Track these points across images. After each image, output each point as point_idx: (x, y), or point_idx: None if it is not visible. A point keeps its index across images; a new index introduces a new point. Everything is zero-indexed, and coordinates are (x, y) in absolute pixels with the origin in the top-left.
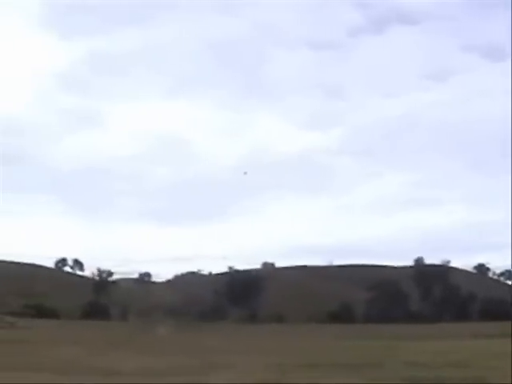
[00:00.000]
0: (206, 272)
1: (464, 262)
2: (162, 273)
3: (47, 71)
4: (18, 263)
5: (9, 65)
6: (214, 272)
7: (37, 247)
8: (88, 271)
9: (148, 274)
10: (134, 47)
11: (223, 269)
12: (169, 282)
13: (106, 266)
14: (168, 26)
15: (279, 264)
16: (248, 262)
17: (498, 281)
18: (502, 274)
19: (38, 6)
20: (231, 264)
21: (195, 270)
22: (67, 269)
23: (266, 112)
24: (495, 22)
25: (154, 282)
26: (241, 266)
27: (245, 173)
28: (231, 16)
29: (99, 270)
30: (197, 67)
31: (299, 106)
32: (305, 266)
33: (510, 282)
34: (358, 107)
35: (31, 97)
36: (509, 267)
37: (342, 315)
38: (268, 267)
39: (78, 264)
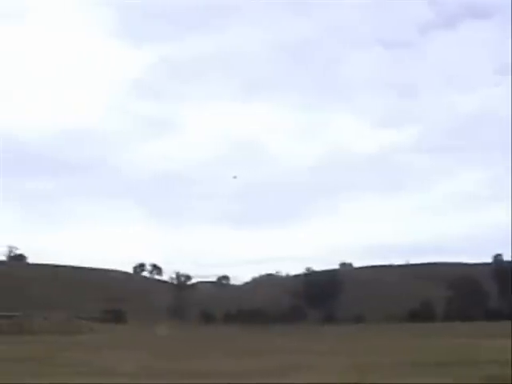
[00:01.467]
0: (283, 274)
1: None
2: (240, 275)
3: (122, 79)
4: (98, 269)
5: (85, 73)
6: (291, 273)
7: (115, 253)
8: (166, 275)
9: (226, 277)
10: (207, 51)
11: (301, 270)
12: (247, 284)
13: (184, 269)
14: (240, 29)
15: (357, 264)
16: (325, 262)
17: None
18: None
19: (111, 15)
20: (309, 265)
21: (273, 272)
22: (146, 274)
23: (340, 112)
24: None
25: (232, 285)
26: (318, 266)
27: (234, 177)
28: (303, 17)
29: (177, 274)
30: (270, 69)
31: (373, 104)
32: (382, 266)
33: None
34: (432, 104)
35: (107, 104)
36: None
37: (421, 314)
38: (346, 267)
39: (156, 269)
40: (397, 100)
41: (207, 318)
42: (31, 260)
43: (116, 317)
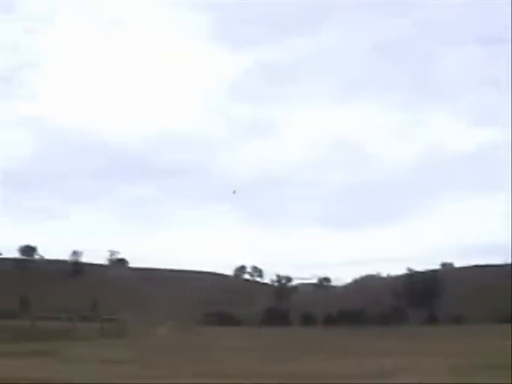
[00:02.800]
0: (384, 274)
1: None
2: (341, 277)
3: (220, 82)
4: (199, 272)
5: (182, 78)
6: (392, 274)
7: (216, 256)
8: (267, 278)
9: (327, 279)
10: (304, 54)
11: (402, 271)
12: (348, 285)
13: (284, 271)
14: (335, 30)
15: (458, 264)
16: (426, 262)
17: None
18: None
19: (206, 20)
20: (410, 265)
21: (374, 272)
22: (246, 276)
23: (437, 111)
24: None
25: (333, 286)
26: (419, 267)
27: (234, 192)
28: (396, 16)
29: (278, 276)
30: (366, 70)
31: (471, 102)
32: (483, 265)
33: None
34: None
35: (205, 108)
36: None
37: None
38: (447, 267)
39: (256, 271)
40: (494, 97)
41: (308, 319)
42: (132, 264)
43: (219, 320)
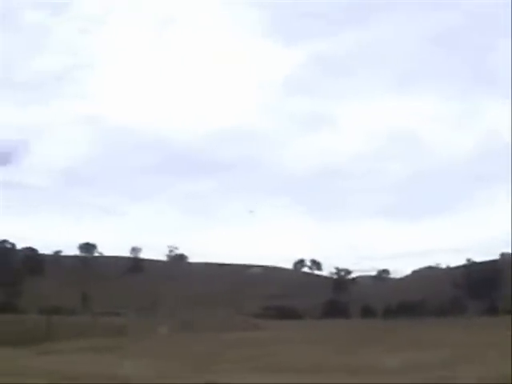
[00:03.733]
0: (443, 266)
1: None
2: (400, 269)
3: (274, 77)
4: (256, 266)
5: (237, 73)
6: (451, 265)
7: (276, 249)
8: (326, 271)
9: (386, 271)
10: (356, 47)
11: (461, 261)
12: (407, 277)
13: (343, 264)
14: (386, 23)
15: None
16: (486, 253)
17: None
18: None
19: (259, 15)
20: (469, 256)
21: (433, 264)
22: (305, 269)
23: (494, 100)
24: None
25: (392, 278)
26: (479, 257)
27: (251, 211)
28: (451, 6)
29: (337, 269)
30: (421, 61)
31: None
32: None
33: None
34: None
35: (260, 103)
36: None
37: None
38: (506, 257)
39: (315, 264)
40: None
41: (367, 312)
42: (192, 259)
43: (278, 313)
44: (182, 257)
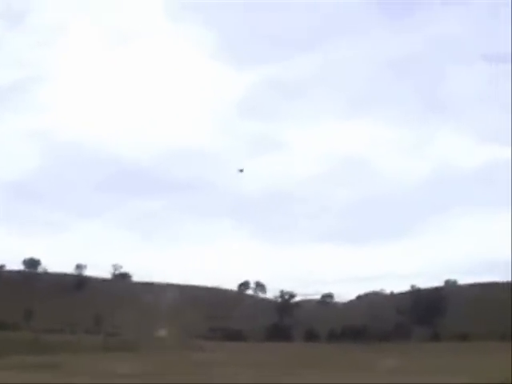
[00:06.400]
0: (388, 291)
1: None
2: (345, 293)
3: (227, 99)
4: (204, 287)
5: (189, 95)
6: (396, 291)
7: (220, 271)
8: (270, 293)
9: (330, 295)
10: (310, 70)
11: (406, 287)
12: (351, 302)
13: (288, 287)
14: (342, 47)
15: (462, 281)
16: (431, 279)
17: None
18: None
19: (212, 37)
20: (414, 282)
21: (378, 289)
22: (250, 292)
23: (445, 127)
24: None
25: (336, 303)
26: (423, 284)
27: (240, 170)
28: (406, 33)
29: (282, 292)
30: (374, 86)
31: (479, 119)
32: (488, 283)
33: None
34: None
35: (213, 124)
36: None
37: None
38: (451, 284)
39: (260, 286)
40: (502, 114)
41: (311, 335)
42: (136, 278)
43: (223, 335)
44: (126, 275)
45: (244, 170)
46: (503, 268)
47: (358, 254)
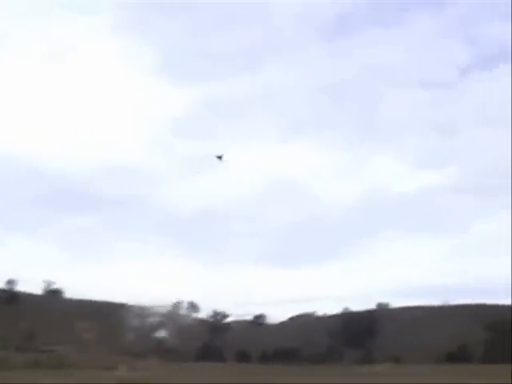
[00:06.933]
0: (320, 313)
1: None
2: (277, 315)
3: (164, 117)
4: (134, 306)
5: (125, 112)
6: (328, 313)
7: (153, 290)
8: (203, 313)
9: (263, 316)
10: (249, 91)
11: (338, 310)
12: (284, 323)
13: (221, 308)
14: (280, 70)
15: (394, 304)
16: (363, 302)
17: None
18: None
19: (151, 54)
20: (346, 305)
21: (310, 311)
22: (182, 311)
23: (379, 152)
24: None
25: (269, 324)
26: (355, 306)
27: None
28: (343, 58)
29: (214, 312)
30: (310, 110)
31: (413, 145)
32: (420, 306)
33: None
34: (472, 144)
35: (149, 142)
36: None
37: (459, 355)
38: (382, 307)
39: (193, 306)
40: (436, 140)
41: (243, 356)
42: (69, 295)
43: (155, 354)
44: (58, 292)
45: (222, 158)
46: (434, 291)
47: (291, 276)
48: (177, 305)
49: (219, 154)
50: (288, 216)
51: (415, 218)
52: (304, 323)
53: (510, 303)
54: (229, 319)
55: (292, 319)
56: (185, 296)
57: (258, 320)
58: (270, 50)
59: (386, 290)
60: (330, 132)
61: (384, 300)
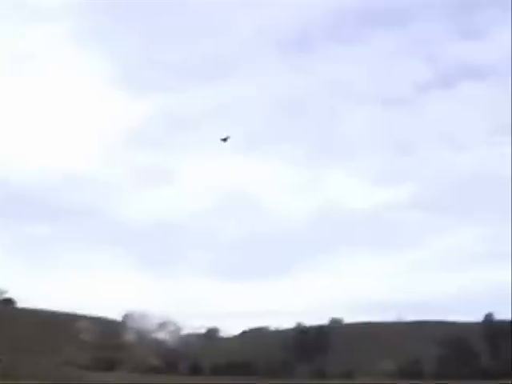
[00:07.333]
0: (273, 327)
1: None
2: (230, 328)
3: (120, 128)
4: (87, 316)
5: (82, 122)
6: (282, 327)
7: (106, 300)
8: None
9: (216, 330)
10: (206, 104)
11: (291, 324)
12: (236, 337)
13: (173, 320)
14: (239, 84)
15: (348, 320)
16: (316, 317)
17: None
18: None
19: (109, 64)
20: (299, 319)
21: (263, 325)
22: (134, 322)
23: (336, 168)
24: None
25: (221, 338)
26: (309, 321)
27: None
28: (303, 73)
29: None
30: (268, 124)
31: (370, 161)
32: (373, 322)
33: None
34: (429, 162)
35: (105, 152)
36: None
37: (411, 371)
38: (336, 323)
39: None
40: (393, 157)
41: (196, 369)
42: (20, 304)
43: (107, 365)
44: (9, 301)
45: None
46: (388, 307)
47: (245, 290)
48: (129, 316)
49: (224, 137)
50: (242, 229)
51: (370, 233)
52: (257, 337)
53: (462, 320)
54: (181, 332)
55: (245, 333)
56: (137, 308)
57: (211, 333)
58: (230, 63)
59: (339, 305)
60: (287, 146)
61: (337, 315)
